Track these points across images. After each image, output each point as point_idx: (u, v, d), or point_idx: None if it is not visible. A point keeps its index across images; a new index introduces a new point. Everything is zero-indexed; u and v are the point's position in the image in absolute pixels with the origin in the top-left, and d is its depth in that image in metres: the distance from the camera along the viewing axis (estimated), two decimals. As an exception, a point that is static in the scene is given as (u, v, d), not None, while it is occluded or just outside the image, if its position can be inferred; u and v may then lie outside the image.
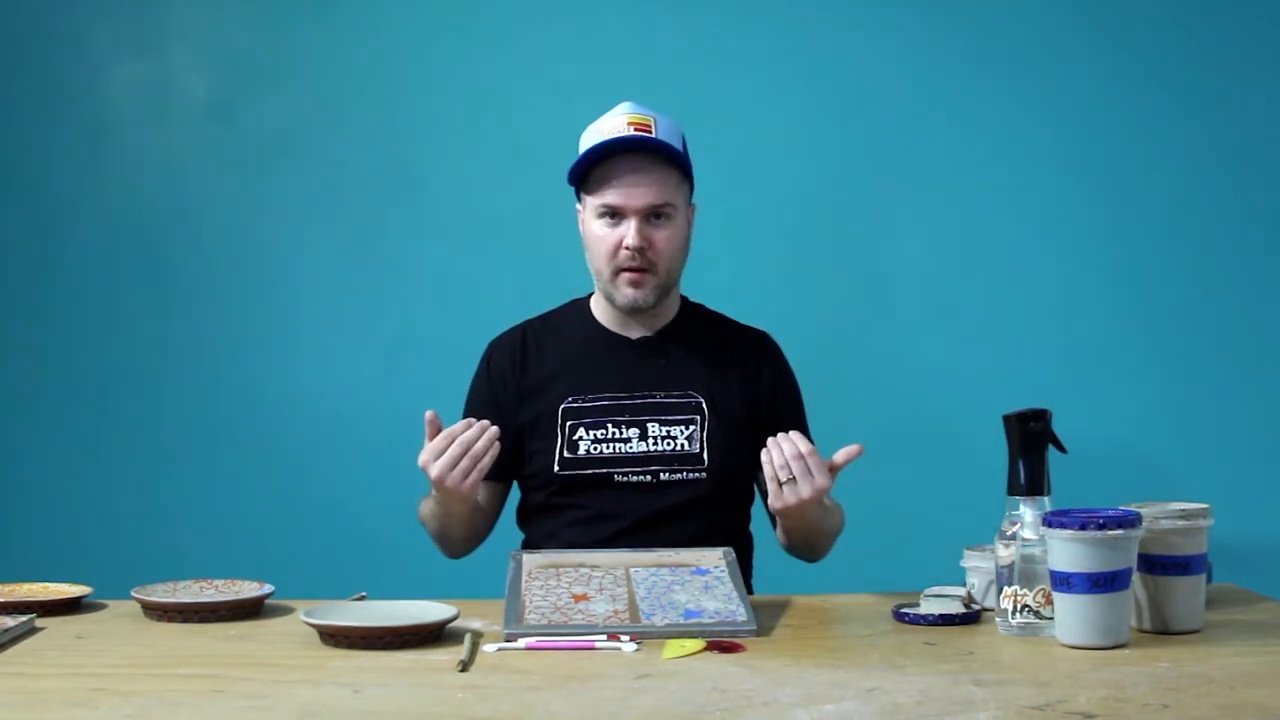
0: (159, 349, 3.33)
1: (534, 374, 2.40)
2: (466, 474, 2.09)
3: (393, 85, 3.32)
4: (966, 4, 3.27)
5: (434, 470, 2.10)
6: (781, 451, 2.07)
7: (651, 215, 2.30)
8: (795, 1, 3.28)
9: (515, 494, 2.48)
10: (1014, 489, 1.94)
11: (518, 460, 2.41)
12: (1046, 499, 1.93)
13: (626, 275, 2.31)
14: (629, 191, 2.29)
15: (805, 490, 2.06)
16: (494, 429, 2.11)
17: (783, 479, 2.07)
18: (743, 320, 2.51)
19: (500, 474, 2.41)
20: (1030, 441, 1.94)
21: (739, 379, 2.40)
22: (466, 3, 3.32)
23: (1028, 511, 1.91)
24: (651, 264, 2.31)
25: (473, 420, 2.12)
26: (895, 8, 3.27)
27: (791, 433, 2.10)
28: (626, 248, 2.29)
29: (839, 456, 2.09)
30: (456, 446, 2.09)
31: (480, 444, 2.09)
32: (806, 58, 3.28)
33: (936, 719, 1.50)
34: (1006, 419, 1.96)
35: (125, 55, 3.34)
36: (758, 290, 3.13)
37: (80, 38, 3.33)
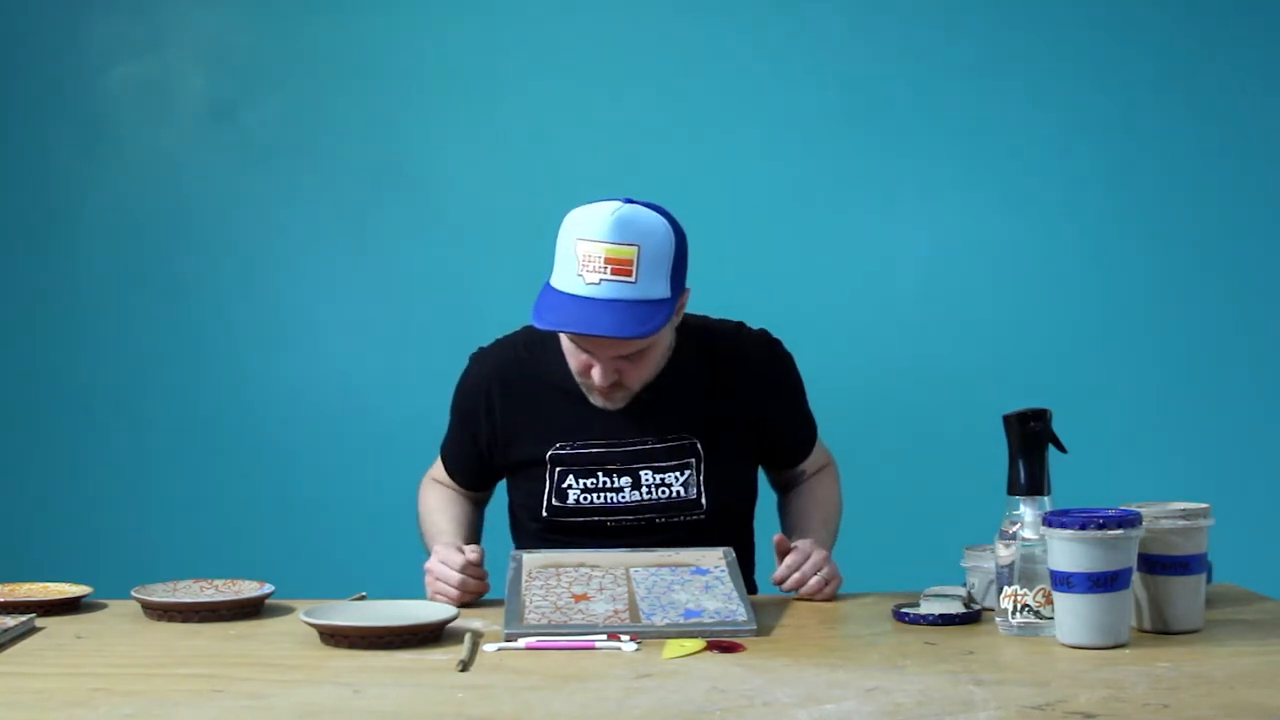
0: (159, 348, 3.33)
1: (518, 415, 2.31)
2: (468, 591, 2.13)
3: (393, 85, 3.32)
4: (967, 5, 3.27)
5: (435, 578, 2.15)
6: (801, 572, 2.14)
7: (624, 355, 2.17)
8: (798, 1, 3.28)
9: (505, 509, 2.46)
10: (1014, 489, 1.94)
11: (495, 476, 2.40)
12: (1046, 499, 1.93)
13: (596, 390, 2.22)
14: (596, 345, 2.15)
15: (815, 588, 2.15)
16: (478, 556, 2.14)
17: (801, 591, 2.14)
18: (742, 320, 2.49)
19: (479, 486, 2.42)
20: (1030, 441, 1.94)
21: (739, 404, 2.31)
22: (467, 2, 3.32)
23: (1028, 511, 1.91)
24: (625, 386, 2.21)
25: (463, 557, 2.13)
26: (897, 8, 3.27)
27: (802, 547, 2.17)
28: (594, 380, 2.18)
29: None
30: (455, 585, 2.11)
31: (474, 585, 2.12)
32: (808, 56, 3.28)
33: (936, 719, 1.50)
34: (1006, 419, 1.95)
35: (125, 55, 3.34)
36: (757, 289, 3.13)
37: (80, 37, 3.33)
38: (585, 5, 3.30)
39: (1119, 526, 1.78)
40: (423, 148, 3.32)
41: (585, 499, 2.27)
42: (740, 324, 2.39)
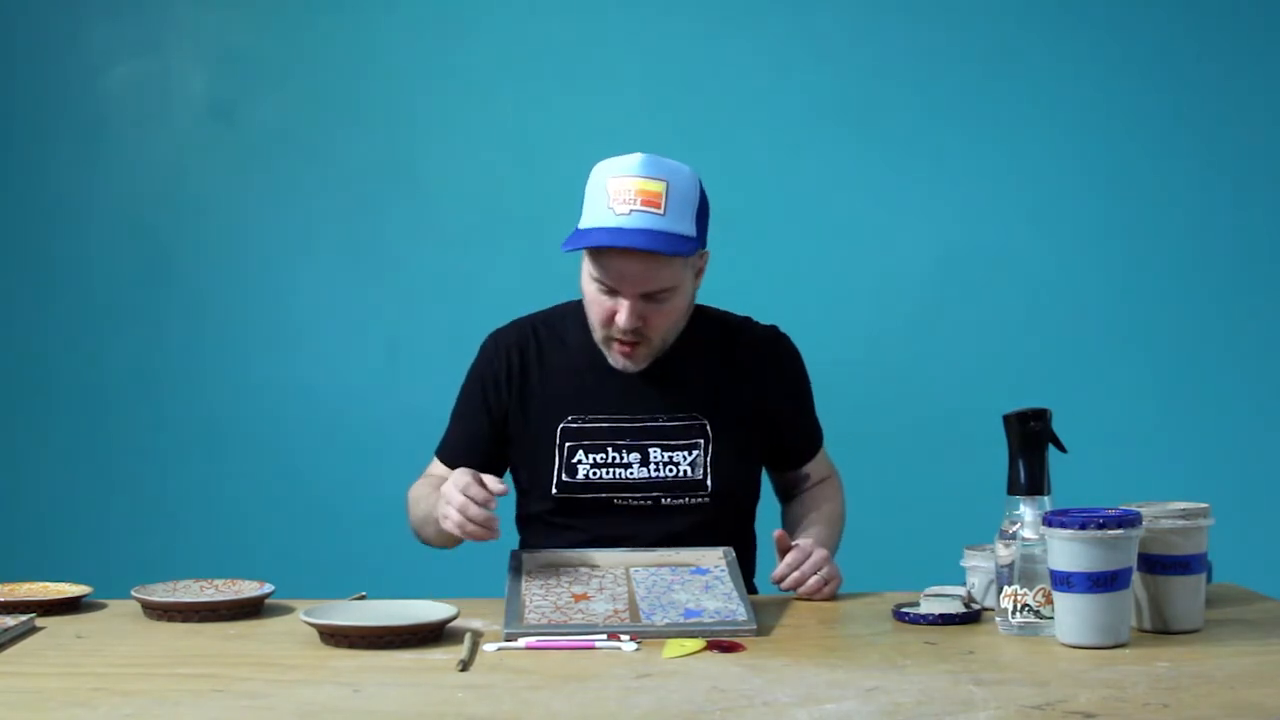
0: (159, 349, 3.33)
1: (533, 387, 2.33)
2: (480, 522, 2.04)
3: (392, 84, 3.33)
4: (967, 5, 3.27)
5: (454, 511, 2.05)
6: (800, 571, 2.13)
7: (649, 295, 2.19)
8: (798, 1, 3.28)
9: (511, 497, 2.45)
10: (1014, 489, 1.94)
11: (506, 461, 2.39)
12: (1046, 499, 1.93)
13: (618, 344, 2.23)
14: (624, 277, 2.17)
15: (815, 587, 2.14)
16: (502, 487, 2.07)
17: (800, 590, 2.13)
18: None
19: (489, 468, 2.41)
20: (1030, 441, 1.94)
21: (747, 393, 2.33)
22: (467, 2, 3.33)
23: (1028, 511, 1.91)
24: (646, 338, 2.22)
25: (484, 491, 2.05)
26: (897, 8, 3.28)
27: (803, 545, 2.15)
28: (619, 324, 2.19)
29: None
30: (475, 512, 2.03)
31: (481, 514, 2.03)
32: (808, 57, 3.28)
33: (936, 719, 1.50)
34: (1006, 419, 1.95)
35: (125, 55, 3.35)
36: (759, 289, 3.12)
37: (80, 38, 3.34)
38: (585, 5, 3.31)
39: (1119, 526, 1.78)
40: (423, 148, 3.33)
41: (594, 474, 2.27)
42: (748, 318, 2.42)
